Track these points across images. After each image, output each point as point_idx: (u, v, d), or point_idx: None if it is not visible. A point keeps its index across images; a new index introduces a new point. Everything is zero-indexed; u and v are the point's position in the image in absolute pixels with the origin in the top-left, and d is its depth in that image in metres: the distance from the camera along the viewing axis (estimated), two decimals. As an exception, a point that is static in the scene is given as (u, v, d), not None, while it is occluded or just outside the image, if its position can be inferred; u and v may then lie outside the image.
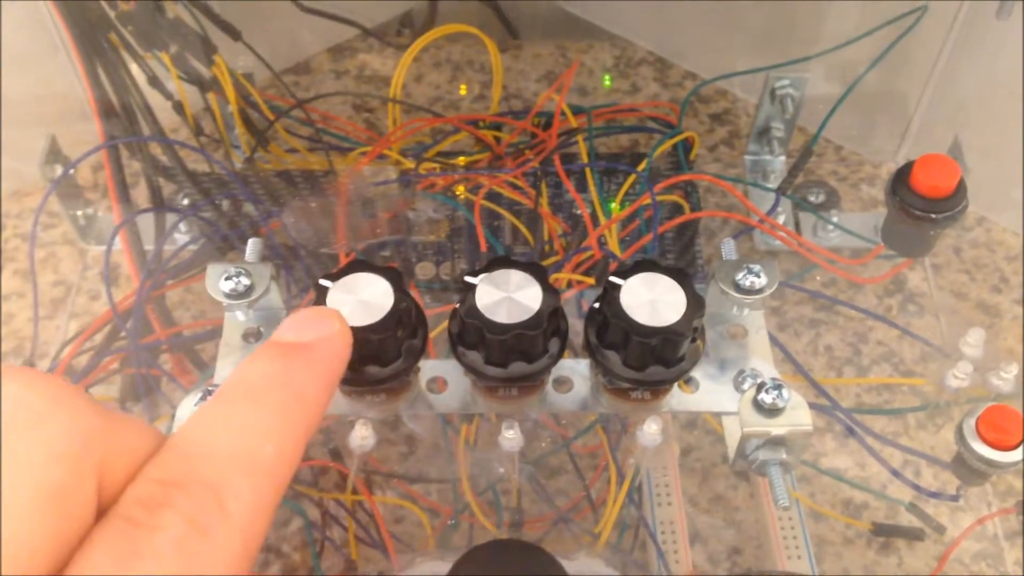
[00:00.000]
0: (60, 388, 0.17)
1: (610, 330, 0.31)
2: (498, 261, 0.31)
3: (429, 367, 0.34)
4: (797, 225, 0.58)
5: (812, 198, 0.59)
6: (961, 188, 0.35)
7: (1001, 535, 0.49)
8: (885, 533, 0.48)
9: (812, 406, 0.33)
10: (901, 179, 0.36)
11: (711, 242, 0.57)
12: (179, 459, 0.17)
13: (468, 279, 0.31)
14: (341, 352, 0.21)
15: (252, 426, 0.19)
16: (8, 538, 0.15)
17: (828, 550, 0.49)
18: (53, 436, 0.16)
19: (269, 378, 0.20)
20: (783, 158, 0.60)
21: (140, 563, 0.15)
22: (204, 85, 0.53)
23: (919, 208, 0.36)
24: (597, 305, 0.32)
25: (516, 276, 0.31)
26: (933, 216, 0.35)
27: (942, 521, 0.47)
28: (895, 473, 0.40)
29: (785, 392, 0.32)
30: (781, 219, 0.58)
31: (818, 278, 0.57)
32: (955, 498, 0.36)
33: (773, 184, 0.59)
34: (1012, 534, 0.49)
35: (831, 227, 0.57)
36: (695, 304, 0.31)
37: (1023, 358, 0.54)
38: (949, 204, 0.35)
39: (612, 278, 0.31)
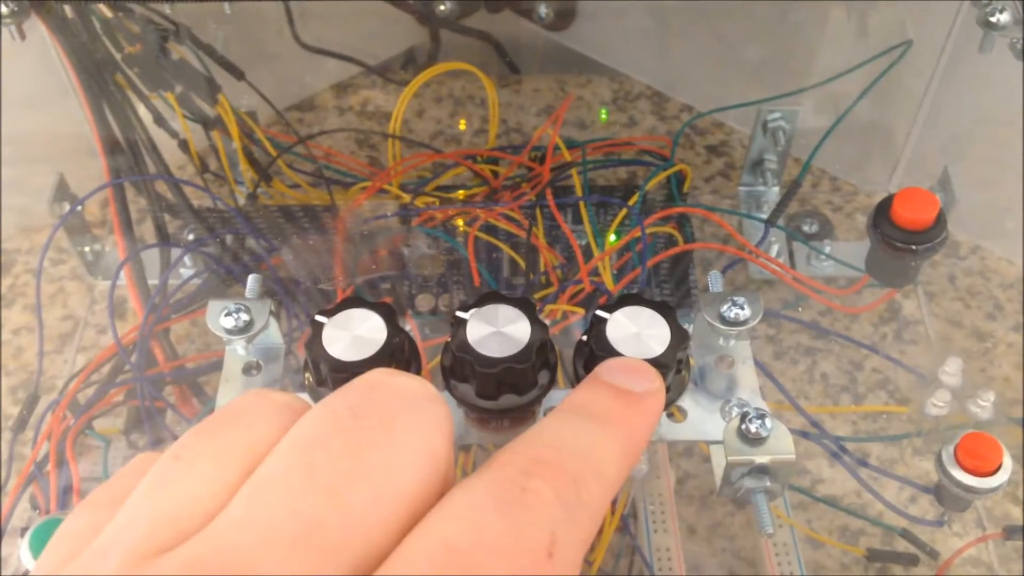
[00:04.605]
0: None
1: (597, 363, 0.32)
2: (488, 296, 0.32)
3: (423, 399, 0.35)
4: (791, 255, 0.59)
5: (806, 228, 0.60)
6: (940, 220, 0.36)
7: (996, 561, 0.49)
8: (879, 559, 0.48)
9: (801, 434, 0.34)
10: (882, 212, 0.37)
11: (707, 274, 0.58)
12: (545, 445, 0.20)
13: (459, 314, 0.32)
14: (660, 410, 0.23)
15: (602, 444, 0.21)
16: (398, 481, 0.18)
17: (824, 577, 0.50)
18: (438, 414, 0.20)
19: (614, 412, 0.22)
20: (776, 189, 0.61)
21: (518, 512, 0.18)
22: (208, 123, 0.54)
23: (900, 240, 0.36)
24: (584, 339, 0.33)
25: (505, 311, 0.32)
26: (914, 248, 0.36)
27: (937, 548, 0.48)
28: (873, 492, 0.40)
29: (768, 421, 0.33)
30: (775, 249, 0.59)
31: (810, 307, 0.58)
32: (939, 524, 0.37)
33: (767, 215, 0.60)
34: (1007, 560, 0.49)
35: (824, 257, 0.58)
36: (679, 336, 0.31)
37: (1022, 385, 0.55)
38: (929, 236, 0.36)
39: (598, 312, 0.32)
